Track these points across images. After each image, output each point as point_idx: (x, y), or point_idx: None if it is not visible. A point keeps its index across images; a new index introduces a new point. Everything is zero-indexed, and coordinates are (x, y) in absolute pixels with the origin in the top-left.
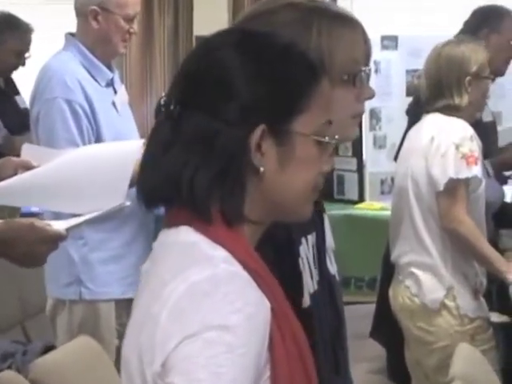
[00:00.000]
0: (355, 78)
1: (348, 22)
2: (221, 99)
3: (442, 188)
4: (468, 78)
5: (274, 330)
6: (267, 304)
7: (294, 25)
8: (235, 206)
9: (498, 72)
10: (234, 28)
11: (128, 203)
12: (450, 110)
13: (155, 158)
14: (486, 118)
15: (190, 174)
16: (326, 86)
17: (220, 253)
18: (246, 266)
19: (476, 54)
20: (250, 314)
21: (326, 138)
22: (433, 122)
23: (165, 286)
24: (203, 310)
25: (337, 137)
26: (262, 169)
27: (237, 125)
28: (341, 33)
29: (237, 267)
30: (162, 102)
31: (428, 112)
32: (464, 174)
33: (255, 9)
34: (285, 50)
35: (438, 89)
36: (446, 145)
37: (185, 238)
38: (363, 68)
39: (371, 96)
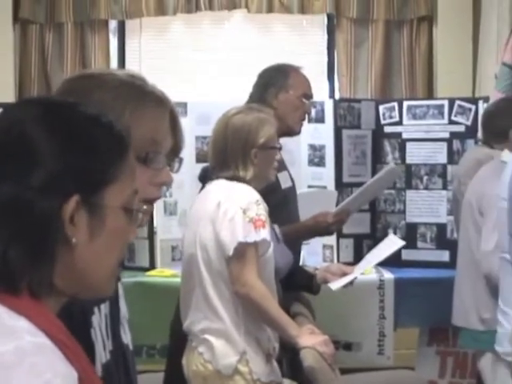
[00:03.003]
0: (148, 159)
1: (157, 104)
2: (29, 172)
3: (231, 253)
4: (254, 150)
5: None
6: (75, 374)
7: (106, 93)
8: (43, 277)
9: (293, 131)
10: (36, 99)
11: None
12: (237, 180)
13: None
14: (286, 184)
15: (3, 246)
16: (132, 156)
17: (23, 324)
18: (51, 337)
19: (263, 125)
20: None
21: (135, 208)
22: (219, 188)
23: None
24: (10, 383)
25: (145, 207)
26: (74, 240)
27: (49, 196)
28: (146, 112)
29: (42, 338)
30: None
31: (212, 179)
32: (252, 237)
33: (85, 71)
34: (92, 120)
35: (223, 159)
36: (233, 210)
37: None
38: (173, 157)
39: (166, 182)
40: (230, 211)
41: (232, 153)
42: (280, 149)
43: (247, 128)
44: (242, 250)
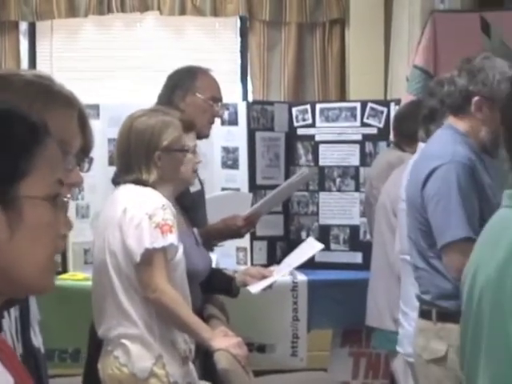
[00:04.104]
0: None
1: (65, 104)
2: None
3: (138, 259)
4: (158, 153)
5: None
6: (10, 379)
7: (12, 94)
8: None
9: (201, 134)
10: None
11: None
12: (141, 183)
13: None
14: (194, 188)
15: None
16: (51, 145)
17: None
18: None
19: (167, 128)
20: None
21: (61, 197)
22: (125, 193)
23: None
24: None
25: (69, 195)
26: None
27: None
28: (53, 111)
29: None
30: None
31: (120, 183)
32: (160, 243)
33: None
34: (3, 114)
35: (127, 162)
36: (139, 216)
37: None
38: (83, 157)
39: (77, 183)
40: (137, 217)
41: (135, 156)
42: (187, 151)
43: (150, 131)
44: (150, 256)
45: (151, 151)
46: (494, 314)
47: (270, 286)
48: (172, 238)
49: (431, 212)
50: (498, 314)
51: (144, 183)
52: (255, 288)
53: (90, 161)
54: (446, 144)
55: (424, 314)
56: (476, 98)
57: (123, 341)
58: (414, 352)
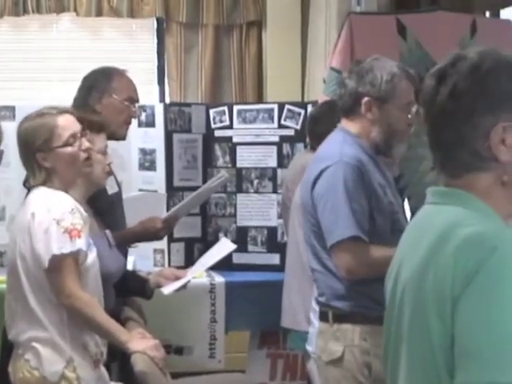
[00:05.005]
0: None
1: None
2: None
3: (46, 265)
4: (39, 154)
5: None
6: None
7: None
8: None
9: (118, 135)
10: None
11: None
12: (50, 186)
13: None
14: (112, 189)
15: None
16: None
17: None
18: None
19: (41, 128)
20: None
21: None
22: (35, 197)
23: None
24: None
25: None
26: None
27: None
28: None
29: None
30: None
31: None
32: (68, 248)
33: None
34: None
35: (25, 168)
36: (47, 221)
37: None
38: None
39: None
40: (45, 222)
41: (22, 160)
42: (70, 145)
43: (23, 133)
44: (58, 261)
45: (30, 154)
46: (415, 314)
47: (183, 287)
48: (80, 243)
49: (320, 213)
50: (418, 313)
51: (41, 186)
52: (168, 289)
53: (0, 154)
54: (335, 145)
55: (322, 316)
56: (365, 99)
57: (34, 344)
58: (315, 354)
